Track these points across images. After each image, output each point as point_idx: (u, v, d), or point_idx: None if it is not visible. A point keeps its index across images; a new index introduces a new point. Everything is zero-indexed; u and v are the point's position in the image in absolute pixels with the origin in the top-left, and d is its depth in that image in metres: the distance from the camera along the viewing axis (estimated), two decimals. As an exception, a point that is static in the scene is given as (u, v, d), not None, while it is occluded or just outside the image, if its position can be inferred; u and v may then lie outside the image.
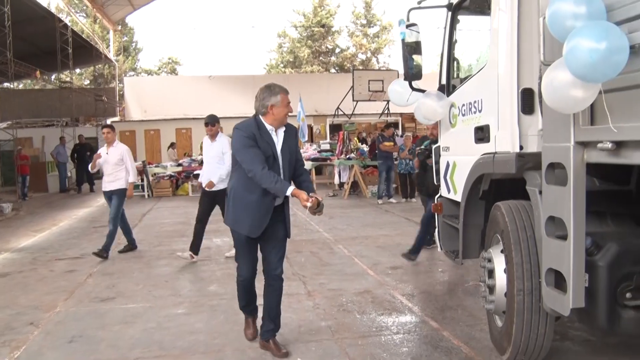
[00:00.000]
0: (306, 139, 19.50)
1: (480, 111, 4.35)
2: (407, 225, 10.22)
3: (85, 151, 19.86)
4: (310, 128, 26.92)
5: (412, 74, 4.94)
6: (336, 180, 16.82)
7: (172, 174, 17.87)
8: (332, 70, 40.61)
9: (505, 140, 3.91)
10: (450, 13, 5.10)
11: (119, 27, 35.80)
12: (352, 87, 20.48)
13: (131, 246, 8.56)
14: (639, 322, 2.88)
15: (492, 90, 4.12)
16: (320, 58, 40.85)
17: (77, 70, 34.06)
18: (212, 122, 7.64)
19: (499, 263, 3.95)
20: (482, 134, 4.28)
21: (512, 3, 3.93)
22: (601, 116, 2.71)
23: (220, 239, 9.27)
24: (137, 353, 4.38)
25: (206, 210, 7.73)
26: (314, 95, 27.21)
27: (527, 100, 3.80)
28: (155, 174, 17.76)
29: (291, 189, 3.96)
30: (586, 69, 2.34)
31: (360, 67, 35.13)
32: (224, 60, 66.97)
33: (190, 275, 7.00)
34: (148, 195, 17.23)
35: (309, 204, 3.88)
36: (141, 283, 6.55)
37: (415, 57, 4.98)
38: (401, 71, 5.11)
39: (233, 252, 6.66)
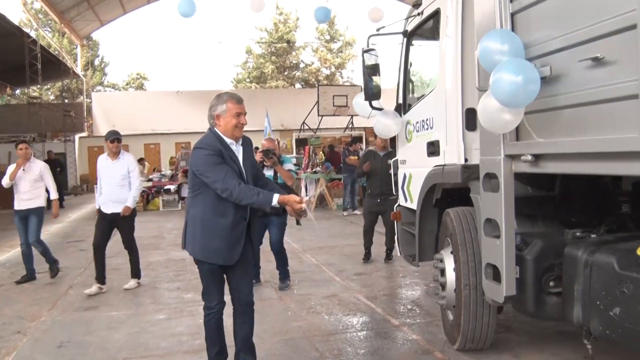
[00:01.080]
0: (273, 153, 19.99)
1: (431, 128, 4.88)
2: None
3: (55, 167, 19.90)
4: (277, 142, 27.43)
5: (372, 94, 5.44)
6: (303, 194, 17.31)
7: (143, 189, 18.11)
8: (297, 85, 41.29)
9: (453, 154, 4.43)
10: (405, 39, 5.65)
11: (86, 42, 35.91)
12: (317, 102, 21.00)
13: (30, 276, 7.82)
14: (559, 306, 3.40)
15: (441, 109, 4.65)
16: (285, 73, 41.51)
17: (43, 85, 34.00)
18: (118, 138, 7.14)
19: (449, 263, 4.47)
20: (433, 148, 4.81)
21: (457, 30, 4.44)
22: (524, 133, 3.25)
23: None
24: (124, 354, 4.77)
25: (105, 236, 7.18)
26: (280, 110, 27.78)
27: (471, 119, 4.30)
28: (126, 189, 17.94)
29: (277, 196, 3.56)
30: (507, 97, 2.87)
31: (325, 82, 35.87)
32: (192, 76, 67.31)
33: (168, 284, 7.36)
34: (119, 210, 17.38)
35: (304, 206, 3.58)
36: (121, 293, 6.91)
37: (374, 78, 5.50)
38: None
39: (132, 283, 7.18)
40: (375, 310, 5.82)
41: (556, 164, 3.01)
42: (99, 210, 7.17)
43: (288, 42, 39.34)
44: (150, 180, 18.46)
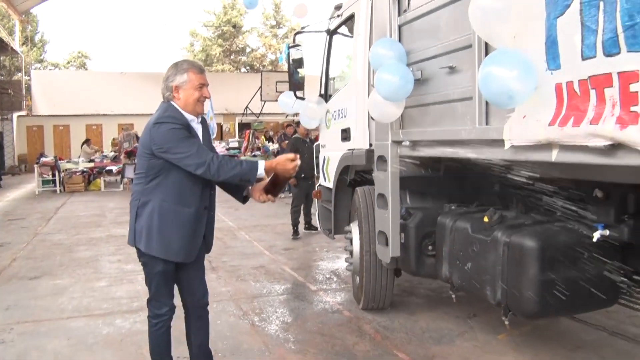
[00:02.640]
0: (214, 136, 20.49)
1: (345, 116, 5.58)
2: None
3: (-8, 146, 19.93)
4: (220, 126, 27.82)
5: (297, 84, 6.11)
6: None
7: (84, 169, 18.31)
8: (243, 70, 41.54)
9: (360, 140, 5.14)
10: (328, 37, 6.32)
11: (25, 17, 35.12)
12: (260, 87, 21.50)
13: None
14: (434, 266, 4.16)
15: (352, 100, 5.35)
16: (232, 57, 41.66)
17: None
18: None
19: (356, 233, 5.21)
20: (345, 134, 5.52)
21: (366, 33, 5.13)
22: (406, 123, 3.99)
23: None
24: (68, 314, 5.33)
25: None
26: (224, 94, 28.01)
27: (375, 110, 5.03)
28: (67, 169, 18.16)
29: (262, 163, 3.18)
30: (386, 93, 3.59)
31: (270, 68, 36.23)
32: (136, 57, 66.42)
33: (109, 257, 7.87)
34: (60, 191, 17.61)
35: (298, 161, 3.18)
36: (64, 264, 7.41)
37: (299, 70, 6.17)
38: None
39: None
40: (297, 279, 6.54)
41: (426, 149, 3.75)
42: None
43: (234, 26, 39.52)
44: (92, 161, 18.65)
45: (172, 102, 3.19)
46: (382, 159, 4.19)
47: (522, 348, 4.29)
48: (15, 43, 31.39)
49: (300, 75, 6.18)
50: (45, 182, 17.84)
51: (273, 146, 18.41)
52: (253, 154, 17.13)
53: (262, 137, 21.26)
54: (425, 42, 3.65)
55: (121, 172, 18.33)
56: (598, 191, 3.06)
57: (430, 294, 5.78)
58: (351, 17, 5.51)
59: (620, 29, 2.00)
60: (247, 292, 5.97)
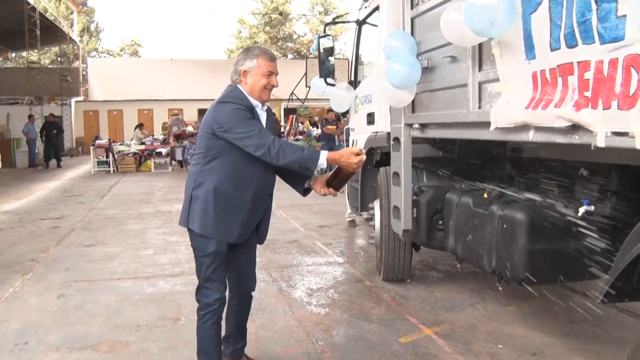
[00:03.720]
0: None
1: (370, 102, 5.97)
2: (340, 196, 11.91)
3: (52, 129, 21.03)
4: (269, 111, 28.39)
5: (327, 72, 6.52)
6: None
7: (136, 151, 19.19)
8: (290, 56, 42.04)
9: (382, 123, 5.53)
10: (357, 27, 6.71)
11: (83, 9, 36.52)
12: (305, 74, 21.87)
13: None
14: (444, 239, 4.53)
15: (376, 87, 5.72)
16: (279, 44, 42.22)
17: (40, 50, 34.79)
18: None
19: (377, 210, 5.62)
20: (370, 118, 5.92)
21: (388, 20, 5.46)
22: (416, 108, 4.37)
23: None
24: (118, 276, 5.95)
25: None
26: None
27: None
28: (120, 151, 19.06)
29: (325, 153, 3.01)
30: (395, 82, 3.98)
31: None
32: (186, 44, 67.84)
33: (156, 230, 8.52)
34: (114, 171, 18.54)
35: (364, 157, 3.01)
36: (116, 235, 8.10)
37: (329, 59, 6.57)
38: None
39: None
40: (327, 253, 7.00)
41: (433, 131, 4.13)
42: None
43: (280, 13, 40.03)
44: (143, 144, 19.52)
45: (239, 86, 3.14)
46: (397, 141, 4.58)
47: (528, 318, 4.64)
48: (74, 33, 32.72)
49: (330, 63, 6.57)
50: (100, 163, 18.83)
51: (316, 131, 18.86)
52: (296, 138, 17.62)
53: (307, 122, 21.72)
54: (433, 34, 4.00)
55: (170, 155, 19.14)
56: (584, 170, 3.39)
57: (450, 269, 6.13)
58: (376, 9, 5.87)
59: (575, 25, 2.35)
60: (279, 262, 6.47)
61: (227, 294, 3.33)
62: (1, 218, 9.86)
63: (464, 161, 4.90)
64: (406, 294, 5.28)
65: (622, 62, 2.10)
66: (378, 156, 6.05)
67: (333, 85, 6.57)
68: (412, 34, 4.34)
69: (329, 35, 6.50)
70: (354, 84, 6.74)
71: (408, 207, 4.50)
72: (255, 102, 3.13)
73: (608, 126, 2.20)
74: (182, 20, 75.19)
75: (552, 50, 2.54)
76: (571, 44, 2.39)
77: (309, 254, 6.90)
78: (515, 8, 2.73)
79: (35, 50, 27.43)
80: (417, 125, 4.26)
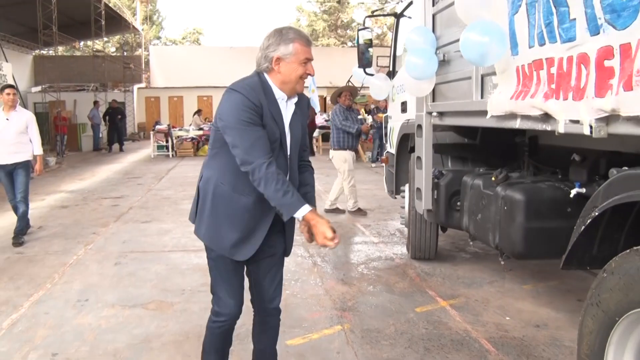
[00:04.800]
0: (319, 109, 21.59)
1: (404, 91, 6.34)
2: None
3: (116, 114, 22.16)
4: (324, 99, 28.84)
5: (366, 63, 6.90)
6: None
7: (194, 136, 20.02)
8: (349, 44, 42.34)
9: (413, 111, 5.89)
10: (396, 20, 7.06)
11: (145, -2, 37.84)
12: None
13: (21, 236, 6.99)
14: (460, 219, 4.87)
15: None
16: (337, 32, 42.57)
17: (104, 38, 36.31)
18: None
19: (407, 193, 6.00)
20: (404, 106, 6.28)
21: (422, 16, 5.82)
22: (436, 97, 4.73)
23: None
24: (169, 248, 6.58)
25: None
26: (328, 68, 29.01)
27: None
28: (178, 136, 19.94)
29: (305, 210, 2.52)
30: (413, 73, 4.35)
31: (376, 42, 36.76)
32: (245, 32, 68.99)
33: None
34: (172, 155, 19.44)
35: (332, 244, 2.50)
36: (170, 213, 8.78)
37: (369, 50, 6.96)
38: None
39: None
40: (364, 233, 7.43)
41: (449, 119, 4.49)
42: None
43: (339, 1, 40.34)
44: (201, 129, 20.33)
45: (265, 75, 2.67)
46: (420, 127, 4.95)
47: (541, 296, 4.96)
48: (137, 22, 33.97)
49: (370, 54, 6.95)
50: (159, 147, 19.75)
51: (370, 120, 19.18)
52: (346, 125, 18.01)
53: (363, 110, 22.03)
54: (449, 30, 4.35)
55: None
56: (576, 155, 3.71)
57: (479, 251, 6.47)
58: (411, 3, 6.22)
59: (543, 25, 2.70)
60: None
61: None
62: (68, 197, 10.74)
63: (485, 147, 5.22)
64: (431, 271, 5.67)
65: (575, 60, 2.45)
66: (412, 142, 6.43)
67: (372, 75, 6.95)
68: (433, 29, 4.70)
69: (368, 27, 6.88)
70: (392, 74, 7.10)
71: (429, 189, 4.88)
72: (280, 95, 2.66)
73: (567, 115, 2.55)
74: (242, 8, 76.41)
75: (529, 47, 2.89)
76: (541, 42, 2.74)
77: (347, 234, 7.35)
78: (505, 43, 3.10)
79: (101, 40, 28.68)
80: (435, 114, 4.63)
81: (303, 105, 2.84)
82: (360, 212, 8.72)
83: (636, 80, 2.04)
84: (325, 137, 20.76)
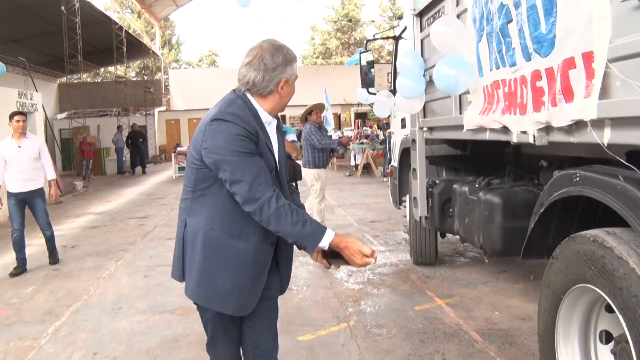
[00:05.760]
0: (333, 126, 22.19)
1: (402, 109, 6.84)
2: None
3: (138, 138, 22.92)
4: (338, 116, 29.43)
5: (368, 83, 7.43)
6: (352, 162, 19.39)
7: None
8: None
9: (410, 127, 6.39)
10: (395, 42, 7.58)
11: (164, 23, 38.92)
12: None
13: (22, 267, 6.98)
14: (452, 223, 5.32)
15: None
16: (350, 49, 43.29)
17: (126, 64, 37.34)
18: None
19: (408, 202, 6.48)
20: (403, 123, 6.78)
21: (413, 37, 6.31)
22: (426, 114, 5.22)
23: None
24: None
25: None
26: (342, 85, 29.63)
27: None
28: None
29: (330, 235, 2.26)
30: (402, 92, 4.85)
31: (388, 59, 37.36)
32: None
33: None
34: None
35: (373, 260, 2.28)
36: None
37: (371, 71, 7.48)
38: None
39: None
40: (372, 242, 7.91)
41: (437, 133, 4.98)
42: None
43: (350, 20, 41.11)
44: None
45: (249, 96, 2.36)
46: (414, 141, 5.44)
47: (529, 293, 5.38)
48: (156, 46, 34.98)
49: (372, 74, 7.48)
50: (181, 169, 20.27)
51: (382, 136, 19.69)
52: (360, 141, 18.53)
53: (375, 126, 22.55)
54: (434, 53, 4.84)
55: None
56: (543, 162, 4.17)
57: (477, 255, 6.90)
58: (406, 28, 6.73)
59: (496, 52, 3.20)
60: (328, 251, 7.42)
61: None
62: (96, 218, 11.38)
63: (476, 158, 5.69)
64: (431, 274, 6.13)
65: (518, 81, 2.94)
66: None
67: (374, 94, 7.47)
68: (421, 52, 5.20)
69: (369, 50, 7.41)
70: (394, 92, 7.61)
71: (423, 197, 5.36)
72: (267, 119, 2.39)
73: (517, 127, 3.03)
74: (256, 29, 77.95)
75: (490, 70, 3.38)
76: (497, 66, 3.23)
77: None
78: (471, 74, 3.61)
79: (122, 65, 29.61)
80: (425, 129, 5.13)
81: (280, 127, 2.58)
82: None
83: (559, 98, 2.52)
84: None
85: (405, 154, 6.86)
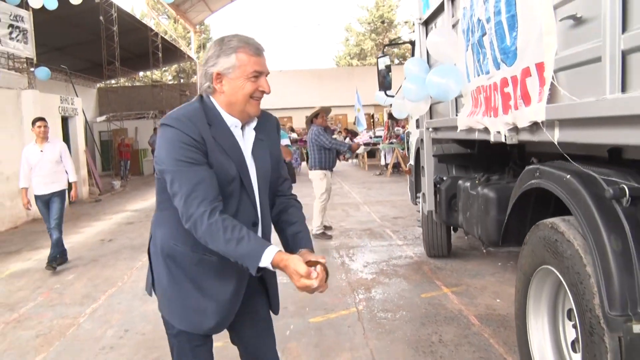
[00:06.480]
0: (365, 127, 22.59)
1: (417, 110, 7.21)
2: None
3: (174, 140, 23.61)
4: (372, 116, 29.76)
5: (386, 86, 7.81)
6: (382, 162, 19.74)
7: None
8: (396, 61, 43.24)
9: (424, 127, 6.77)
10: (412, 47, 7.95)
11: (199, 28, 39.80)
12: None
13: (63, 259, 7.40)
14: (457, 217, 5.67)
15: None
16: (385, 50, 43.55)
17: (162, 68, 38.30)
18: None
19: (422, 198, 6.85)
20: (417, 123, 7.15)
21: (419, 44, 6.67)
22: (432, 115, 5.59)
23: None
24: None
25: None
26: (375, 86, 29.87)
27: (434, 104, 6.64)
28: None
29: (271, 253, 1.95)
30: (407, 96, 5.24)
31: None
32: (294, 55, 71.11)
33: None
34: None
35: (312, 282, 1.95)
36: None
37: (389, 75, 7.87)
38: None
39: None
40: (392, 237, 8.30)
41: (440, 133, 5.35)
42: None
43: (383, 22, 41.39)
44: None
45: (211, 98, 2.15)
46: (422, 141, 5.82)
47: (536, 282, 5.71)
48: (191, 51, 35.86)
49: (390, 78, 7.86)
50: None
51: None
52: (390, 141, 18.88)
53: (407, 126, 22.82)
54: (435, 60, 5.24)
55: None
56: (534, 159, 4.51)
57: (490, 249, 7.20)
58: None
59: (476, 61, 3.58)
60: (348, 244, 7.85)
61: None
62: (132, 214, 12.05)
63: (482, 156, 6.04)
64: (442, 266, 6.50)
65: (492, 87, 3.31)
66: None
67: (392, 97, 7.85)
68: (427, 59, 5.58)
69: (387, 55, 7.80)
70: (408, 94, 7.98)
71: (431, 193, 5.73)
72: (232, 121, 2.15)
73: (494, 128, 3.40)
74: (290, 32, 79.01)
75: (474, 77, 3.76)
76: (479, 74, 3.61)
77: (376, 239, 8.23)
78: (460, 82, 3.99)
79: (159, 70, 30.50)
80: (430, 129, 5.51)
81: (269, 129, 2.33)
82: (324, 235, 8.49)
83: (520, 102, 2.90)
84: (371, 154, 21.71)
85: (419, 152, 7.23)
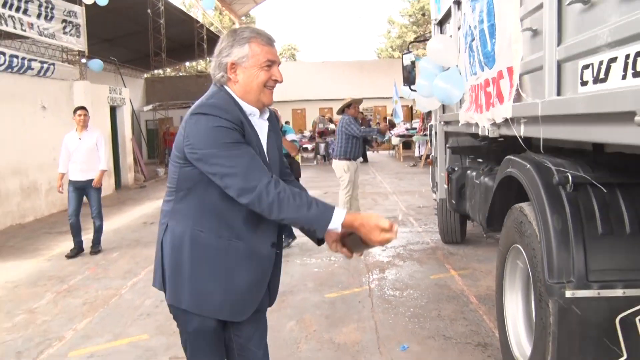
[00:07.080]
0: (402, 119, 22.89)
1: (437, 104, 7.60)
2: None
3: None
4: (411, 108, 29.99)
5: (411, 81, 8.22)
6: (416, 153, 20.06)
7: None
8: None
9: (442, 120, 7.17)
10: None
11: (244, 19, 40.53)
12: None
13: (79, 249, 7.63)
14: (465, 205, 6.05)
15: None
16: (427, 42, 43.49)
17: (207, 59, 39.24)
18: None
19: (435, 187, 7.27)
20: (437, 117, 7.56)
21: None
22: (445, 109, 6.00)
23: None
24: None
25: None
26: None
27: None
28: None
29: (341, 214, 2.02)
30: (421, 91, 5.66)
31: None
32: (337, 46, 71.47)
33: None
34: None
35: (393, 234, 2.00)
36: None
37: (413, 70, 8.27)
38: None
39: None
40: (414, 224, 8.72)
41: (451, 126, 5.76)
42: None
43: (423, 14, 41.31)
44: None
45: (226, 87, 2.20)
46: (436, 133, 6.24)
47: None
48: (236, 41, 36.57)
49: (414, 73, 8.26)
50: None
51: (447, 127, 20.26)
52: (424, 133, 19.19)
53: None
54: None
55: (315, 150, 21.61)
56: (529, 151, 4.88)
57: (491, 234, 7.57)
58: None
59: (469, 63, 4.00)
60: (370, 231, 8.30)
61: None
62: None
63: (491, 148, 6.41)
64: (455, 252, 6.91)
65: (479, 86, 3.74)
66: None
67: (416, 91, 8.26)
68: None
69: (411, 52, 8.20)
70: (430, 89, 8.38)
71: (442, 182, 6.16)
72: (249, 109, 2.19)
73: (481, 123, 3.83)
74: (334, 24, 79.54)
75: (470, 76, 4.18)
76: (471, 74, 4.03)
77: (399, 225, 8.62)
78: (462, 87, 4.41)
79: (203, 60, 31.33)
80: (442, 122, 5.93)
81: (274, 122, 2.39)
82: None
83: (496, 101, 3.33)
84: (406, 145, 22.04)
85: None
